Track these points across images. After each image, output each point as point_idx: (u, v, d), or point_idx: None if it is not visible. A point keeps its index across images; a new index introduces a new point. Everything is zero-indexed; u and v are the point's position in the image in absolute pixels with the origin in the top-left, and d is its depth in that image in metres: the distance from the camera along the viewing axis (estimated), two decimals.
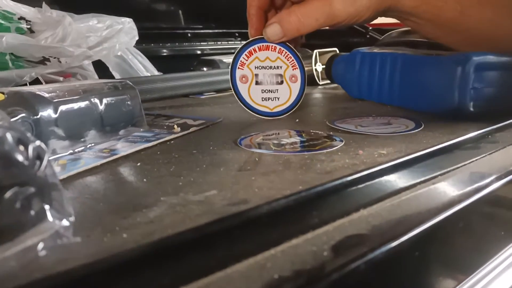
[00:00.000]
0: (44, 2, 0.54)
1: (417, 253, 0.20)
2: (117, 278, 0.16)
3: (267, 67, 0.44)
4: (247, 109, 0.44)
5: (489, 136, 0.34)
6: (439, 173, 0.26)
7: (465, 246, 0.25)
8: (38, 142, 0.16)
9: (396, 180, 0.25)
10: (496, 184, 0.25)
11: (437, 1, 0.40)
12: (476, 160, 0.29)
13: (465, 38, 0.42)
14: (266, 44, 0.43)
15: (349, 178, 0.24)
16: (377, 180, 0.25)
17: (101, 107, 0.34)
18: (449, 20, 0.40)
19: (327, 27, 0.41)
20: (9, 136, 0.15)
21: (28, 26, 0.50)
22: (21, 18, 0.51)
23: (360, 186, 0.24)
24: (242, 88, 0.44)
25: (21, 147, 0.15)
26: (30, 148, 0.15)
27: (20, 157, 0.15)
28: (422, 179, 0.25)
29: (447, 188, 0.25)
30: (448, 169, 0.27)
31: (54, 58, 0.49)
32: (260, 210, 0.20)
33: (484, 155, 0.30)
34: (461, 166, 0.28)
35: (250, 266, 0.17)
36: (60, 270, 0.15)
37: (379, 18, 0.43)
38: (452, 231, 0.23)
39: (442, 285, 0.24)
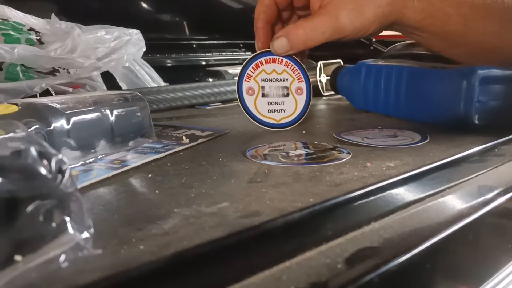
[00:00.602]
0: (53, 13, 0.54)
1: (428, 266, 0.20)
2: None
3: (274, 80, 0.44)
4: (253, 121, 0.44)
5: (495, 150, 0.35)
6: (447, 186, 0.26)
7: (474, 258, 0.25)
8: (60, 156, 0.16)
9: (406, 193, 0.25)
10: (503, 197, 0.26)
11: (441, 14, 0.40)
12: (483, 173, 0.29)
13: (469, 50, 0.42)
14: (273, 57, 0.43)
15: (361, 192, 0.24)
16: (387, 192, 0.25)
17: (112, 118, 0.34)
18: (454, 33, 0.41)
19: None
20: (33, 150, 0.15)
21: (38, 37, 0.51)
22: (30, 29, 0.51)
23: (370, 198, 0.24)
24: (249, 100, 0.44)
25: (45, 161, 0.16)
26: (53, 161, 0.16)
27: (43, 171, 0.16)
28: (431, 192, 0.25)
29: (456, 201, 0.25)
30: (456, 182, 0.27)
31: (63, 69, 0.49)
32: (275, 223, 0.20)
33: (490, 168, 0.30)
34: (468, 179, 0.28)
35: (266, 278, 0.17)
36: (81, 282, 0.15)
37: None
38: (462, 244, 0.23)
39: None
